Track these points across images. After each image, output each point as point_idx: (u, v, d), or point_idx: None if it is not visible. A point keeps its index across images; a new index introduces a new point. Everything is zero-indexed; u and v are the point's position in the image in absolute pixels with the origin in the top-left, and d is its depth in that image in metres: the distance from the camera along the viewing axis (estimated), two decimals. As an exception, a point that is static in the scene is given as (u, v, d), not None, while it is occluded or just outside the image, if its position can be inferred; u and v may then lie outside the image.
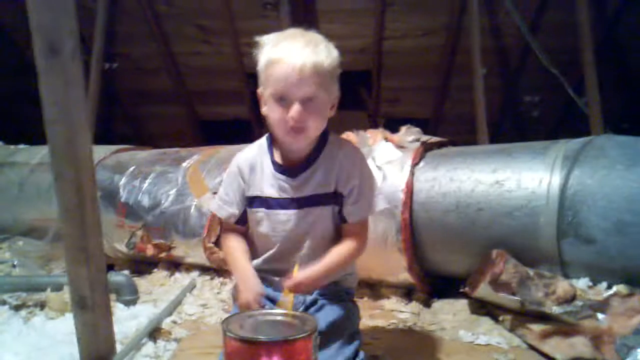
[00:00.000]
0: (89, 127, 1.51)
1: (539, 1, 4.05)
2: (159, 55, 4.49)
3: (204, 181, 2.36)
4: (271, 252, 1.57)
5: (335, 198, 1.52)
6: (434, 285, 2.17)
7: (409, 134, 2.19)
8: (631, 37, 4.03)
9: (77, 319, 1.64)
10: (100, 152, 2.72)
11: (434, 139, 2.22)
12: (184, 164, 2.49)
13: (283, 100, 1.41)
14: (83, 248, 1.56)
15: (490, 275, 1.90)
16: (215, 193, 2.34)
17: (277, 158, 1.55)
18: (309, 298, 1.55)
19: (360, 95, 4.79)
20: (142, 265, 2.54)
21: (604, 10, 3.98)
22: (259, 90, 1.49)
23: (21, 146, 3.14)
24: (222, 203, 1.62)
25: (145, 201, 2.46)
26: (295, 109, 1.39)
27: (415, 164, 2.10)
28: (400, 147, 2.14)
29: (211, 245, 2.32)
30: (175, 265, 2.50)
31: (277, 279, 1.55)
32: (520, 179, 1.93)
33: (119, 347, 1.73)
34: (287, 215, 1.53)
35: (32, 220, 2.76)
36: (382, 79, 4.62)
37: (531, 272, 1.87)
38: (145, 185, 2.49)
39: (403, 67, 4.49)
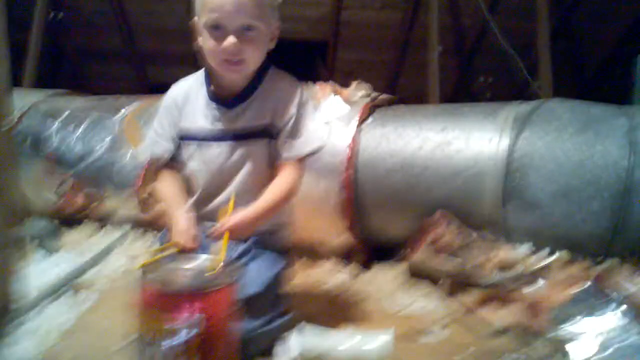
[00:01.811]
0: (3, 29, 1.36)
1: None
2: (110, 11, 4.28)
3: (141, 130, 2.23)
4: (200, 191, 1.47)
5: (270, 131, 1.44)
6: (374, 249, 2.10)
7: (359, 89, 2.10)
8: (586, 24, 4.04)
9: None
10: (36, 95, 2.54)
11: (384, 95, 2.15)
12: (122, 111, 2.35)
13: (217, 29, 1.33)
14: None
15: (432, 236, 1.84)
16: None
17: (214, 88, 1.47)
18: (242, 246, 1.46)
19: (316, 67, 4.69)
20: (70, 219, 2.39)
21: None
22: (193, 20, 1.40)
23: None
24: (156, 137, 1.52)
25: (78, 148, 2.31)
26: (230, 40, 1.32)
27: (362, 120, 2.03)
28: (349, 102, 2.06)
29: (145, 196, 2.20)
30: (106, 219, 2.36)
31: (208, 224, 1.46)
32: (468, 138, 1.87)
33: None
34: (219, 148, 1.44)
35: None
36: (338, 50, 4.53)
37: (474, 235, 1.82)
38: (79, 131, 2.34)
39: (360, 40, 4.41)
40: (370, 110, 2.07)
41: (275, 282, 1.43)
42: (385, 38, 4.38)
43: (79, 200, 2.30)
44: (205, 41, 1.36)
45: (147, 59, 4.58)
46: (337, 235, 2.02)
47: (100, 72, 4.71)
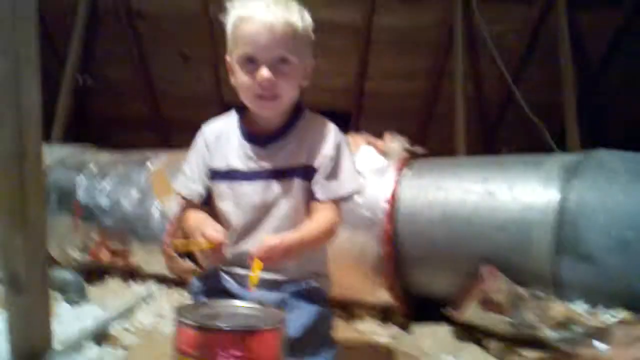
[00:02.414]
0: (36, 67, 1.32)
1: (524, 51, 4.02)
2: (135, 79, 4.33)
3: (169, 182, 2.18)
4: (231, 233, 1.39)
5: (305, 171, 1.38)
6: (415, 307, 1.99)
7: (393, 141, 2.04)
8: (613, 88, 4.01)
9: (8, 303, 1.41)
10: (61, 151, 2.52)
11: (421, 149, 2.08)
12: (149, 165, 2.30)
13: (251, 63, 1.30)
14: (19, 211, 1.35)
15: (478, 294, 1.73)
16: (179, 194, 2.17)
17: (247, 127, 1.42)
18: (277, 297, 1.37)
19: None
20: (94, 275, 2.30)
21: (588, 64, 3.97)
22: (227, 58, 1.37)
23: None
24: (185, 180, 1.46)
25: (104, 202, 2.26)
26: (263, 72, 1.28)
27: (400, 172, 1.95)
28: (383, 153, 1.99)
29: (172, 252, 2.11)
30: (131, 275, 2.28)
31: (241, 271, 1.37)
32: (512, 189, 1.79)
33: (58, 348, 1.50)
34: (252, 187, 1.38)
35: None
36: (361, 120, 4.52)
37: (524, 292, 1.71)
38: (106, 185, 2.29)
39: (384, 110, 4.40)
40: (408, 162, 2.00)
41: (317, 326, 1.34)
42: (410, 108, 4.37)
43: (105, 255, 2.23)
44: (238, 76, 1.33)
45: (172, 126, 4.59)
46: (375, 293, 1.92)
47: (125, 138, 4.72)
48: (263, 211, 1.39)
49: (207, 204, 1.46)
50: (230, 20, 1.33)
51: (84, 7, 3.86)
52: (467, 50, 3.96)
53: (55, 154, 2.46)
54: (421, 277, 1.92)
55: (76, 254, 2.27)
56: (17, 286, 1.39)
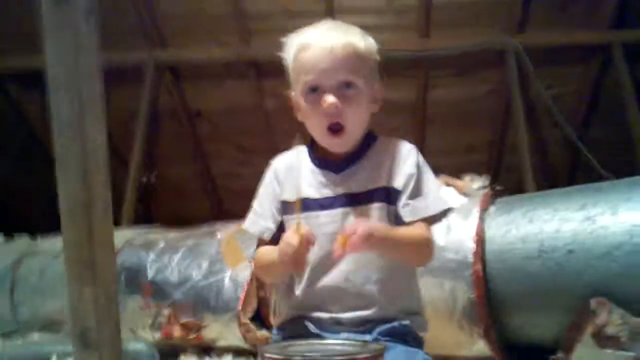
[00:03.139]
0: (101, 100, 1.28)
1: (585, 112, 3.93)
2: (197, 176, 4.38)
3: (240, 250, 2.10)
4: (311, 273, 1.25)
5: (387, 194, 1.24)
6: (517, 356, 1.79)
7: (474, 182, 1.93)
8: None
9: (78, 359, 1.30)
10: (129, 232, 2.49)
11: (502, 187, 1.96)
12: (219, 236, 2.24)
13: (315, 92, 1.21)
14: (89, 261, 1.26)
15: (591, 329, 1.54)
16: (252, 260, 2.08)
17: (319, 155, 1.31)
18: (368, 337, 1.23)
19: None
20: (169, 356, 2.18)
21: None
22: (292, 95, 1.29)
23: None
24: (255, 217, 1.34)
25: (174, 277, 2.19)
26: (327, 98, 1.19)
27: (484, 209, 1.83)
28: (464, 194, 1.88)
29: (247, 321, 2.00)
30: (205, 351, 2.15)
31: (322, 315, 1.24)
32: (616, 212, 1.64)
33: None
34: (329, 217, 1.25)
35: (51, 312, 2.46)
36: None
37: (643, 323, 1.52)
38: (175, 260, 2.23)
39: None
40: (491, 199, 1.87)
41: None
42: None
43: (176, 332, 2.12)
44: (304, 110, 1.25)
45: (236, 221, 4.57)
46: (470, 345, 1.74)
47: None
48: None
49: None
50: (290, 52, 1.27)
51: (145, 110, 3.97)
52: (527, 117, 3.88)
53: (122, 236, 2.43)
54: (520, 320, 1.74)
55: (147, 334, 2.17)
56: (87, 341, 1.29)
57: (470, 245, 1.76)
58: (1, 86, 4.12)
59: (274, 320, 1.76)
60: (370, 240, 1.11)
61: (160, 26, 3.92)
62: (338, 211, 1.24)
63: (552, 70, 3.80)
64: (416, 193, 1.24)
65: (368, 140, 1.30)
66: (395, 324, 1.24)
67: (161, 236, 2.41)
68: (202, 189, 4.44)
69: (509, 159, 4.09)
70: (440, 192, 1.29)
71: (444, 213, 1.27)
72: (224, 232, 2.28)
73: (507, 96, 3.89)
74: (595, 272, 1.61)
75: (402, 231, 1.20)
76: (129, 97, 4.03)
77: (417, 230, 1.21)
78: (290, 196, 1.30)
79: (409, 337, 1.26)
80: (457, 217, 1.83)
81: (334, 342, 1.06)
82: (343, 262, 1.23)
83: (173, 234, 2.43)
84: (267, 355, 0.95)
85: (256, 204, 1.36)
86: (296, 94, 1.26)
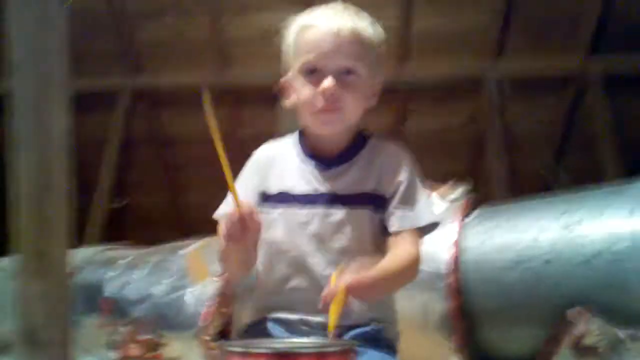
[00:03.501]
0: (65, 82, 1.20)
1: (559, 143, 3.91)
2: (170, 206, 4.28)
3: (205, 265, 2.01)
4: (282, 272, 1.17)
5: (373, 199, 1.16)
6: (493, 373, 1.70)
7: (454, 189, 1.87)
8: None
9: (23, 361, 1.18)
10: (90, 250, 2.38)
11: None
12: (182, 251, 2.14)
13: (314, 73, 1.14)
14: (40, 252, 1.16)
15: (569, 341, 1.46)
16: (218, 276, 1.98)
17: (310, 146, 1.23)
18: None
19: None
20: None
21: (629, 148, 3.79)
22: (283, 80, 1.22)
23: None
24: (225, 205, 1.25)
25: (134, 294, 2.08)
26: (328, 81, 1.12)
27: (462, 218, 1.76)
28: (445, 199, 1.82)
29: (209, 338, 1.89)
30: (168, 369, 2.03)
31: (291, 316, 1.15)
32: (597, 218, 1.58)
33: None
34: (309, 215, 1.15)
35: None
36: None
37: (622, 334, 1.45)
38: (136, 277, 2.13)
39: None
40: (472, 206, 1.81)
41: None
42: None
43: (132, 350, 2.00)
44: (299, 91, 1.17)
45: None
46: (444, 358, 1.65)
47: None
48: (319, 243, 1.17)
49: None
50: (292, 31, 1.20)
51: (117, 135, 3.90)
52: (504, 146, 3.85)
53: (82, 254, 2.32)
54: (496, 334, 1.66)
55: (103, 353, 2.05)
56: (33, 341, 1.18)
57: (445, 256, 1.68)
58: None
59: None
60: (357, 292, 1.01)
61: (137, 52, 3.88)
62: (318, 210, 1.15)
63: (529, 98, 3.79)
64: (405, 202, 1.15)
65: (360, 140, 1.21)
66: (368, 328, 1.15)
67: (123, 253, 2.31)
68: (175, 216, 4.34)
69: (484, 188, 4.04)
70: (430, 204, 1.21)
71: (433, 226, 1.19)
72: (188, 248, 2.18)
73: (484, 124, 3.88)
74: (573, 282, 1.55)
75: (389, 266, 1.09)
76: (102, 123, 3.97)
77: (404, 252, 1.12)
78: (271, 187, 1.20)
79: (382, 344, 1.17)
80: (432, 225, 1.75)
81: (300, 340, 0.97)
82: (316, 266, 1.14)
83: (135, 251, 2.33)
84: (229, 349, 0.85)
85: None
86: (291, 75, 1.19)
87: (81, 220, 3.61)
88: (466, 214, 1.80)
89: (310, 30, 1.15)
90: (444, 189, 1.91)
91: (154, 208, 4.34)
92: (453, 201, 1.85)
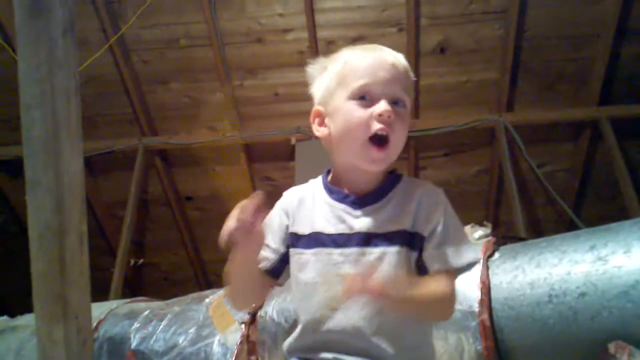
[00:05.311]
0: (77, 121, 1.19)
1: (577, 191, 3.90)
2: (188, 263, 4.26)
3: (229, 313, 1.98)
4: (317, 314, 1.13)
5: (410, 238, 1.12)
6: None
7: (475, 230, 1.85)
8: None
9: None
10: (113, 303, 2.35)
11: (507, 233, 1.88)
12: (207, 300, 2.12)
13: (365, 99, 1.11)
14: (60, 296, 1.13)
15: (612, 375, 1.42)
16: (242, 323, 1.95)
17: (339, 188, 1.19)
18: None
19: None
20: None
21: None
22: (316, 109, 1.19)
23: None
24: None
25: (159, 345, 2.05)
26: (384, 103, 1.10)
27: (488, 257, 1.74)
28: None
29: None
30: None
31: (328, 355, 1.12)
32: (629, 251, 1.55)
33: None
34: (342, 255, 1.12)
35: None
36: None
37: (667, 366, 1.40)
38: (161, 327, 2.09)
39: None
40: (495, 246, 1.79)
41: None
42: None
43: (161, 403, 1.95)
44: (348, 114, 1.12)
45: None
46: (481, 400, 1.60)
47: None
48: None
49: (277, 277, 1.24)
50: (338, 61, 1.17)
51: (134, 194, 3.92)
52: (520, 196, 3.83)
53: (105, 307, 2.29)
54: (534, 373, 1.61)
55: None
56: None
57: (475, 293, 1.66)
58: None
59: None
60: (375, 291, 1.01)
61: (151, 113, 3.94)
62: (353, 250, 1.12)
63: (543, 147, 3.82)
64: (445, 241, 1.11)
65: (393, 178, 1.19)
66: (408, 352, 1.12)
67: (146, 305, 2.28)
68: (193, 274, 4.31)
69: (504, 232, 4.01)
70: (468, 241, 1.19)
71: (472, 264, 1.18)
72: (211, 297, 2.16)
73: (499, 175, 3.88)
74: (610, 315, 1.50)
75: (412, 287, 1.07)
76: (120, 184, 4.00)
77: (437, 285, 1.09)
78: (301, 228, 1.18)
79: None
80: (459, 266, 1.73)
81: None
82: (353, 306, 1.11)
83: (158, 303, 2.31)
84: None
85: None
86: (338, 101, 1.14)
87: (104, 281, 3.60)
88: (491, 252, 1.77)
89: (362, 59, 1.14)
90: (465, 230, 1.89)
91: (173, 265, 4.33)
92: (477, 240, 1.84)
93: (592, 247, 1.61)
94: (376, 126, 1.09)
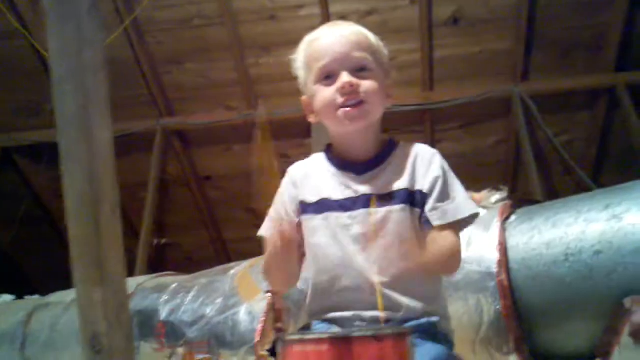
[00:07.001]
0: (106, 95, 1.25)
1: (594, 159, 3.90)
2: (209, 243, 4.32)
3: (254, 283, 2.04)
4: (330, 274, 1.19)
5: (412, 196, 1.19)
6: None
7: (492, 195, 1.89)
8: None
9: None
10: (141, 279, 2.43)
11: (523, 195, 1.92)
12: (232, 272, 2.18)
13: (329, 78, 1.19)
14: (97, 260, 1.20)
15: (629, 329, 1.46)
16: (268, 292, 2.01)
17: (341, 157, 1.26)
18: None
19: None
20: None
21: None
22: (303, 99, 1.27)
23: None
24: (270, 222, 1.27)
25: (188, 316, 2.12)
26: (343, 77, 1.17)
27: (505, 219, 1.78)
28: (483, 206, 1.84)
29: (265, 353, 1.91)
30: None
31: (346, 313, 1.17)
32: (642, 208, 1.58)
33: None
34: (350, 218, 1.19)
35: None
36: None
37: (683, 319, 1.44)
38: (189, 299, 2.17)
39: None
40: (512, 208, 1.82)
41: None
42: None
43: (191, 370, 2.03)
44: (319, 97, 1.20)
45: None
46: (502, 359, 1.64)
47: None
48: (363, 243, 1.21)
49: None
50: (301, 51, 1.25)
51: (153, 179, 3.98)
52: (538, 166, 3.84)
53: (133, 282, 2.37)
54: (552, 330, 1.65)
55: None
56: (97, 347, 1.21)
57: (493, 255, 1.70)
58: (10, 159, 4.16)
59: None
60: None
61: (167, 94, 3.98)
62: (360, 212, 1.18)
63: (560, 116, 3.81)
64: (444, 196, 1.17)
65: (390, 145, 1.26)
66: (423, 321, 1.17)
67: (173, 279, 2.36)
68: (214, 253, 4.38)
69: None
70: (467, 196, 1.24)
71: (474, 217, 1.22)
72: (236, 269, 2.22)
73: (515, 146, 3.89)
74: (626, 271, 1.54)
75: (430, 252, 1.15)
76: (139, 166, 4.06)
77: (444, 240, 1.16)
78: (310, 197, 1.23)
79: (439, 337, 1.19)
80: (477, 228, 1.77)
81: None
82: (366, 265, 1.17)
83: (185, 277, 2.38)
84: (288, 339, 0.88)
85: (272, 211, 1.29)
86: (310, 88, 1.23)
87: (128, 262, 3.67)
88: (508, 215, 1.81)
89: (316, 42, 1.22)
90: (482, 195, 1.93)
91: (195, 245, 4.39)
92: (494, 204, 1.88)
93: (607, 206, 1.65)
94: (340, 100, 1.17)
